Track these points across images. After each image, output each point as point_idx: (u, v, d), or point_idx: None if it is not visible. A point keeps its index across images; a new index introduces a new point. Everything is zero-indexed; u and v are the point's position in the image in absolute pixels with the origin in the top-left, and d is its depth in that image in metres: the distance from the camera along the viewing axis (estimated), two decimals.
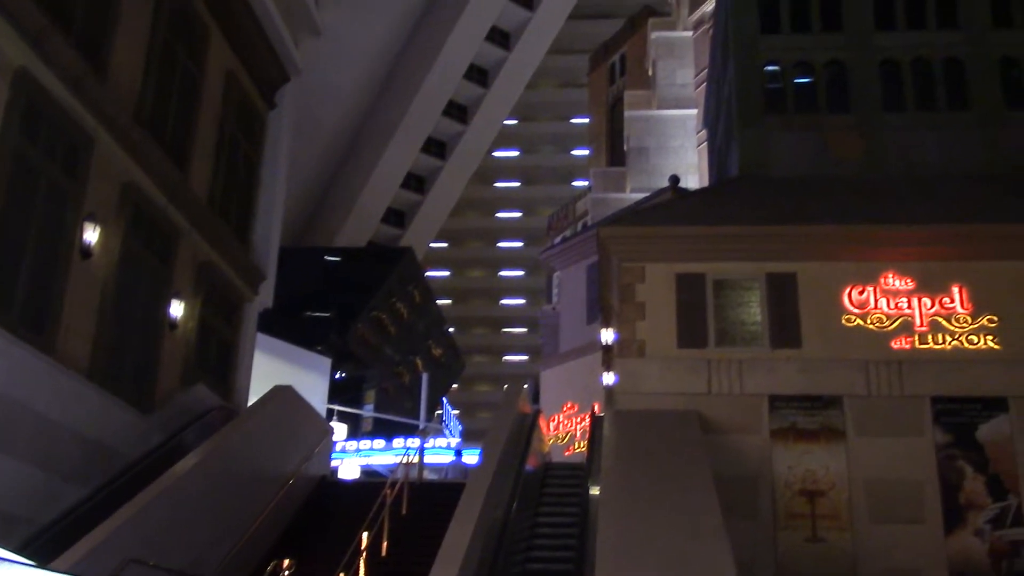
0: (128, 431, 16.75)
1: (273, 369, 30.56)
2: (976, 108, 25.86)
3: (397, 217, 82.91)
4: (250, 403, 21.96)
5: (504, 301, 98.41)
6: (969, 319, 20.28)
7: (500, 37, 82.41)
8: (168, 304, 18.79)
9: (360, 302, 55.03)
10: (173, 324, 18.95)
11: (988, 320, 20.23)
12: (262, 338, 25.74)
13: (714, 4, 33.82)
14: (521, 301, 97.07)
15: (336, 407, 43.96)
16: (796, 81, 26.74)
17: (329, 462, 24.96)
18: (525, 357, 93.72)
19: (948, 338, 20.22)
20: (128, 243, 17.15)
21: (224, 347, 21.99)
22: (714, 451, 18.87)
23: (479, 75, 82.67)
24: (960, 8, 26.91)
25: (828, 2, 27.42)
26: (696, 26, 45.73)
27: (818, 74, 26.72)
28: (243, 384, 22.78)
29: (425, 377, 50.79)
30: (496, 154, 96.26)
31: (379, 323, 57.58)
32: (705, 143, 40.67)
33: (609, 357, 25.04)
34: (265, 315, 24.67)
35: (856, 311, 20.53)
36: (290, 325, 42.12)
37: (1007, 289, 20.38)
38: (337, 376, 47.38)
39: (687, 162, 45.84)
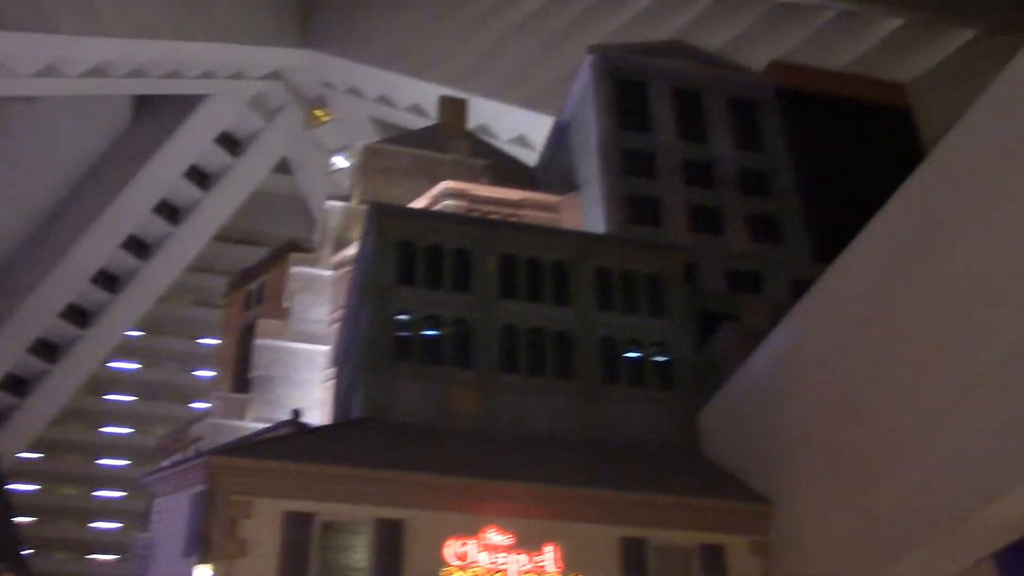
0: None
1: None
2: (580, 379, 28.36)
3: None
4: None
5: (96, 524, 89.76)
6: None
7: (137, 246, 79.93)
8: None
9: None
10: None
11: None
12: None
13: (357, 249, 35.12)
14: (117, 525, 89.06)
15: None
16: (424, 333, 28.03)
17: None
18: None
19: None
20: None
21: None
22: None
23: (107, 280, 78.93)
24: (572, 289, 29.94)
25: (459, 265, 29.49)
26: (337, 266, 47.05)
27: (445, 329, 28.22)
28: None
29: None
30: (113, 365, 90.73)
31: None
32: (333, 380, 40.94)
33: None
34: None
35: (457, 563, 20.87)
36: None
37: (593, 551, 21.73)
38: None
39: (313, 397, 45.66)
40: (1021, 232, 16.61)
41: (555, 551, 21.42)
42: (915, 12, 54.01)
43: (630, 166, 38.68)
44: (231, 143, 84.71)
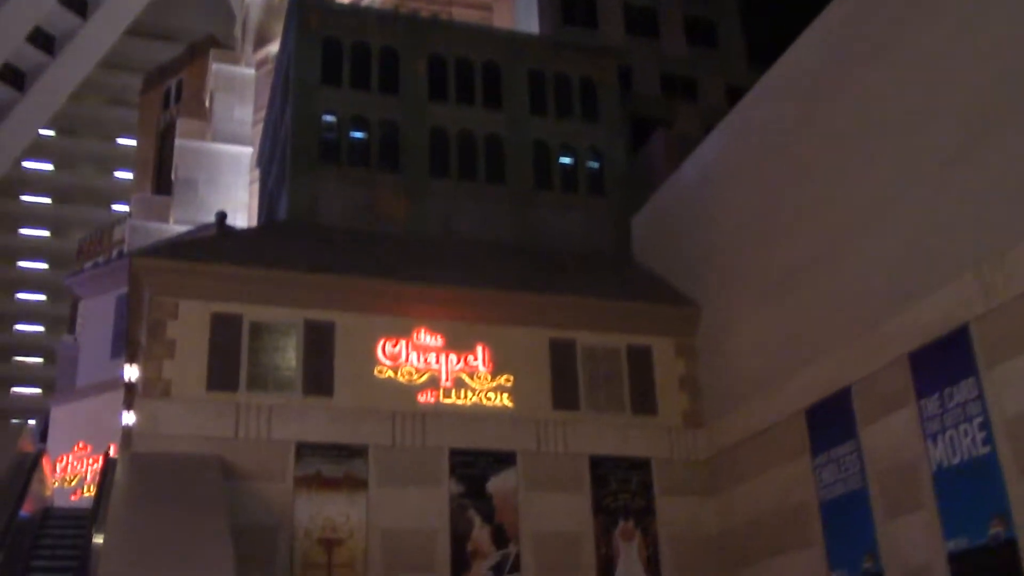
0: None
1: None
2: (511, 184, 28.09)
3: None
4: None
5: (19, 327, 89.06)
6: (489, 377, 21.71)
7: (44, 40, 75.54)
8: None
9: None
10: None
11: (505, 379, 21.79)
12: None
13: (279, 47, 33.67)
14: (39, 328, 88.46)
15: None
16: (351, 135, 27.29)
17: None
18: (38, 390, 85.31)
19: (470, 394, 21.47)
20: None
21: None
22: (236, 499, 18.25)
23: (15, 76, 74.92)
24: (504, 91, 29.21)
25: (387, 65, 28.44)
26: (260, 65, 45.33)
27: (372, 131, 27.49)
28: None
29: None
30: (27, 164, 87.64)
31: None
32: (257, 183, 40.13)
33: (131, 396, 23.41)
34: None
35: (388, 364, 21.10)
36: None
37: (523, 352, 22.13)
38: None
39: (237, 199, 44.89)
40: (956, 43, 16.43)
41: (485, 352, 21.76)
42: None
43: None
44: None
